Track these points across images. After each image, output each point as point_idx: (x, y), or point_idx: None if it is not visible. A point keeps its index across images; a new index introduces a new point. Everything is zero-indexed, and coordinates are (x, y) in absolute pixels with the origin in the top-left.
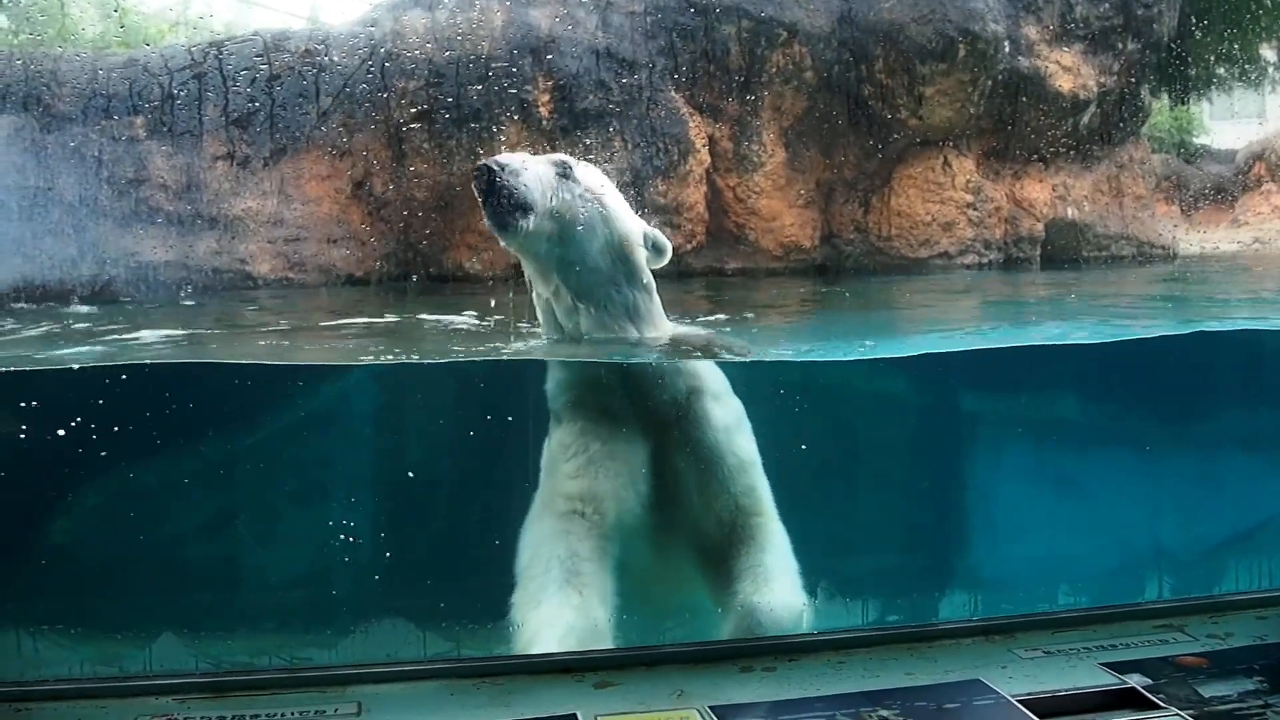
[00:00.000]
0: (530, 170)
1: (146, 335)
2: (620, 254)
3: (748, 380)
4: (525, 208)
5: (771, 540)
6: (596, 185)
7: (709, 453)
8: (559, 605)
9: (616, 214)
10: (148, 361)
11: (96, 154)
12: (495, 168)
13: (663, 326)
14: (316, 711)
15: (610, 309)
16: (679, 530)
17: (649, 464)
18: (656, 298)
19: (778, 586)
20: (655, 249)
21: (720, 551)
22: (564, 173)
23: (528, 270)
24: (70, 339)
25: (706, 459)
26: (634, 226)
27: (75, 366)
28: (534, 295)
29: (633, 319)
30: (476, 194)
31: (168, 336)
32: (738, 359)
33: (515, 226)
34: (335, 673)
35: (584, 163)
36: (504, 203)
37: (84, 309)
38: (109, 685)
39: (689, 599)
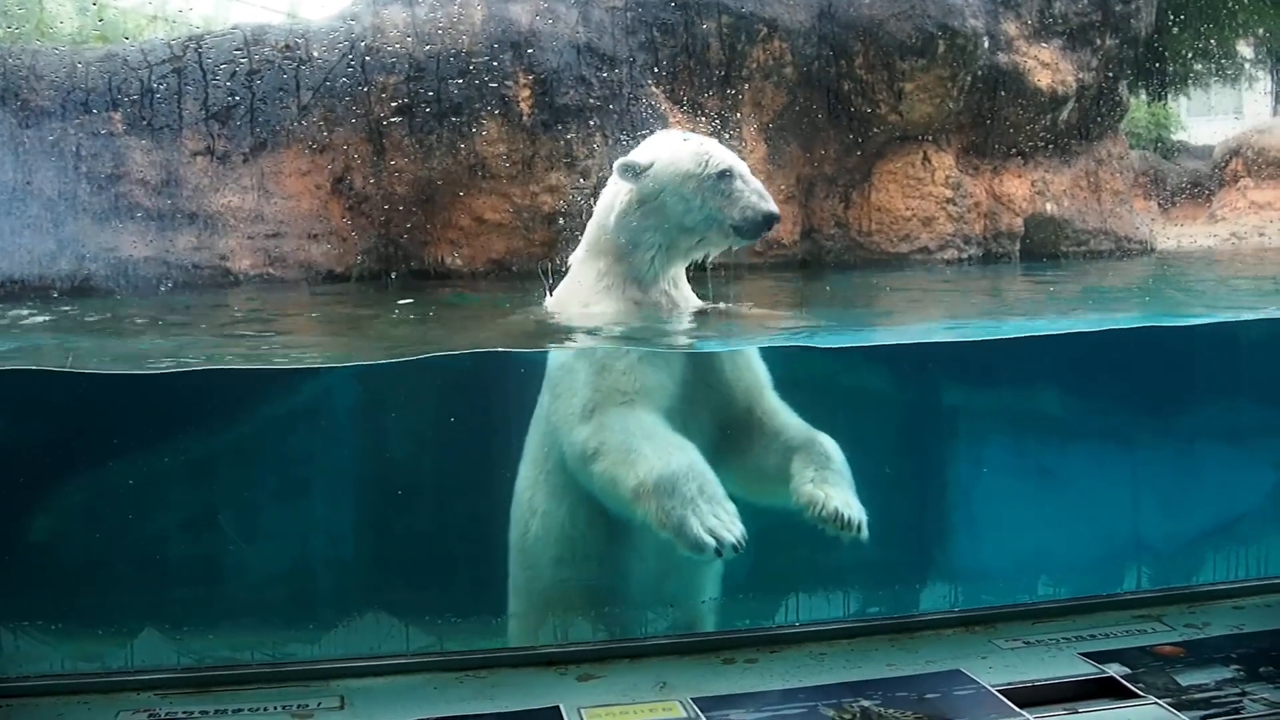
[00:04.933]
0: None
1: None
2: None
3: None
4: None
5: (795, 415)
6: None
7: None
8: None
9: None
10: (132, 373)
11: (75, 149)
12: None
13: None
14: (300, 705)
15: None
16: (707, 411)
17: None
18: None
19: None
20: None
21: (743, 423)
22: None
23: (650, 230)
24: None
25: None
26: None
27: (54, 368)
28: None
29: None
30: (762, 228)
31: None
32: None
33: None
34: (318, 667)
35: None
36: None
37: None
38: (91, 681)
39: None
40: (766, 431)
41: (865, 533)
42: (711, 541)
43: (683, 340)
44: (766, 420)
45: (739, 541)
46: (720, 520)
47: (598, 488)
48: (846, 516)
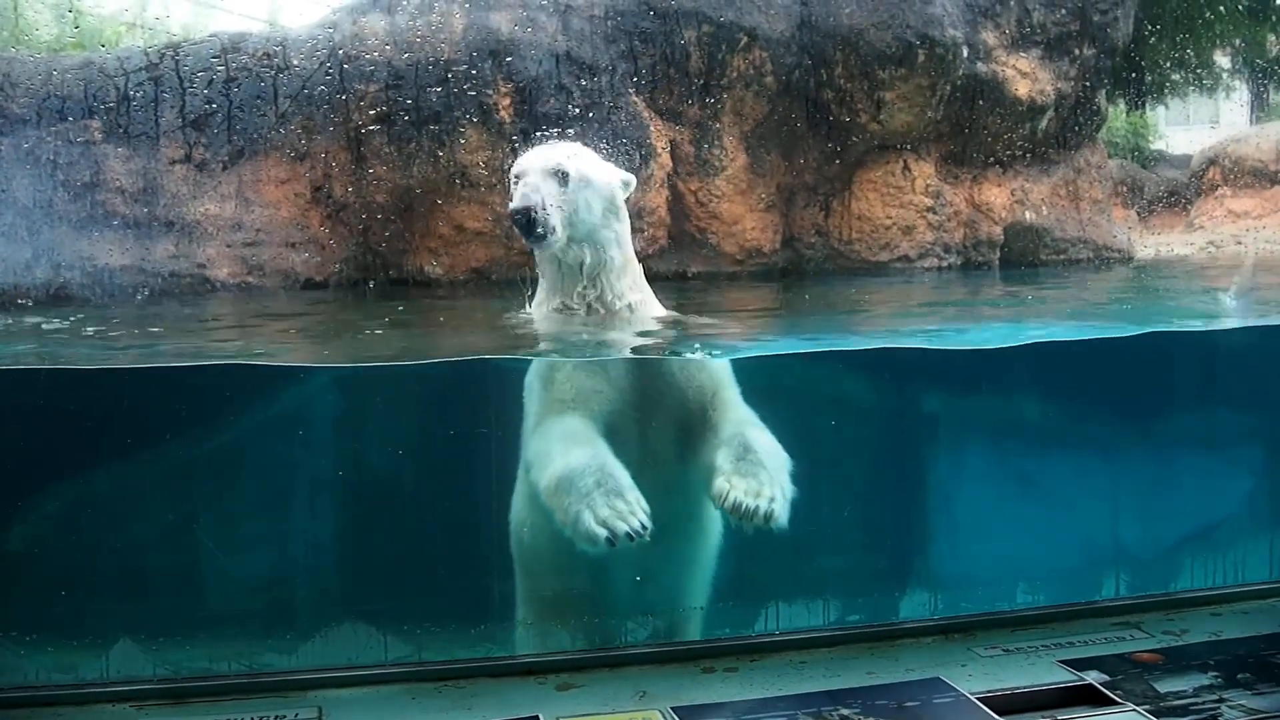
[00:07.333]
0: (545, 197)
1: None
2: (609, 203)
3: None
4: (552, 230)
5: (743, 411)
6: (583, 170)
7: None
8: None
9: (600, 181)
10: (110, 367)
11: (51, 157)
12: (532, 214)
13: (643, 285)
14: (276, 716)
15: (597, 240)
16: (662, 415)
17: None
18: (632, 250)
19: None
20: (624, 184)
21: (700, 423)
22: (562, 180)
23: None
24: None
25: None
26: (612, 179)
27: (27, 369)
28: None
29: (621, 247)
30: (516, 229)
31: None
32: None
33: (547, 243)
34: (295, 677)
35: (566, 147)
36: (539, 233)
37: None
38: (66, 693)
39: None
40: (714, 429)
41: (779, 522)
42: (602, 533)
43: (620, 349)
44: (716, 418)
45: (635, 531)
46: (615, 510)
47: (534, 496)
48: (747, 506)
